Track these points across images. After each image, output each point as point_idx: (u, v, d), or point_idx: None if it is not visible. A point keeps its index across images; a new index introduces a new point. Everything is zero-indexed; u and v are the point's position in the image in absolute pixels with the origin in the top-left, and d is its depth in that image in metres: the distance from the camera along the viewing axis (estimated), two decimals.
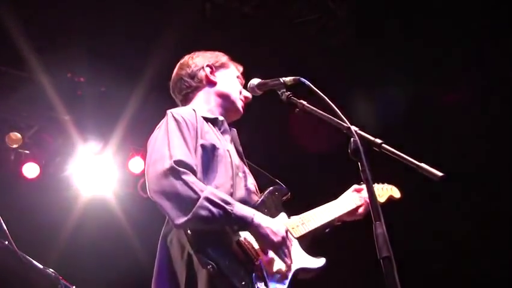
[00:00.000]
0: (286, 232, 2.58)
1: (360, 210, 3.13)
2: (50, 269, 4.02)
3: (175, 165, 2.43)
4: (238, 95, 3.00)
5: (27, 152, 6.98)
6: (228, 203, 2.45)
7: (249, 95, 3.00)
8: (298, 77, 2.60)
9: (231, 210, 2.44)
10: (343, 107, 2.31)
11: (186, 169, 2.45)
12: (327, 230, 3.02)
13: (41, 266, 3.98)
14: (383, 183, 3.45)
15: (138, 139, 7.43)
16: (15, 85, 6.78)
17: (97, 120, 7.27)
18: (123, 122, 7.29)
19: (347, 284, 7.11)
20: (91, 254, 7.10)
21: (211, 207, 2.39)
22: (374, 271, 2.14)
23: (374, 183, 3.28)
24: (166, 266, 2.56)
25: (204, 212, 2.38)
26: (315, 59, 6.76)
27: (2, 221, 3.53)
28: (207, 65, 2.99)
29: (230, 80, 3.02)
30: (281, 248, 2.52)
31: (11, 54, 6.26)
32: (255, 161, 3.02)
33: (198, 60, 3.02)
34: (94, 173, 7.30)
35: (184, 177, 2.42)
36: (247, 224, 2.48)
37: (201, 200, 2.38)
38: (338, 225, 3.15)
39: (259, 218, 2.51)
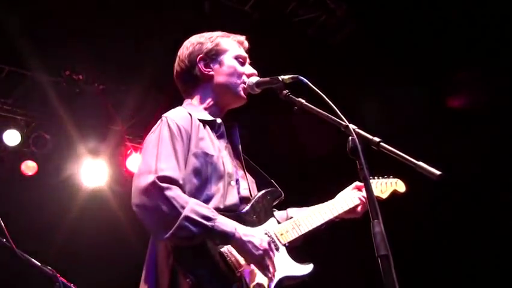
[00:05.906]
0: (269, 244, 2.55)
1: (359, 209, 3.04)
2: (48, 267, 4.01)
3: (157, 181, 2.41)
4: (238, 80, 2.87)
5: (26, 149, 6.98)
6: (209, 219, 2.42)
7: (253, 71, 2.90)
8: (297, 75, 2.57)
9: (212, 226, 2.42)
10: (342, 106, 2.30)
11: (170, 183, 2.43)
12: (323, 227, 2.95)
13: (39, 264, 3.98)
14: (388, 176, 3.30)
15: (136, 136, 7.43)
16: (14, 83, 6.78)
17: (95, 117, 7.27)
18: (121, 120, 7.29)
19: (344, 282, 7.12)
20: (89, 252, 7.09)
21: (190, 226, 2.38)
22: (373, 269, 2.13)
23: (378, 177, 3.24)
24: (153, 265, 2.57)
25: (183, 232, 2.38)
26: (314, 58, 6.76)
27: None
28: (200, 58, 2.88)
29: (227, 67, 2.88)
30: (263, 261, 2.50)
31: (9, 52, 6.26)
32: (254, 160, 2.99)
33: (192, 54, 2.90)
34: (92, 170, 7.30)
35: (166, 192, 2.40)
36: (228, 238, 2.47)
37: (180, 220, 2.37)
38: (336, 222, 3.06)
39: (241, 232, 2.49)
